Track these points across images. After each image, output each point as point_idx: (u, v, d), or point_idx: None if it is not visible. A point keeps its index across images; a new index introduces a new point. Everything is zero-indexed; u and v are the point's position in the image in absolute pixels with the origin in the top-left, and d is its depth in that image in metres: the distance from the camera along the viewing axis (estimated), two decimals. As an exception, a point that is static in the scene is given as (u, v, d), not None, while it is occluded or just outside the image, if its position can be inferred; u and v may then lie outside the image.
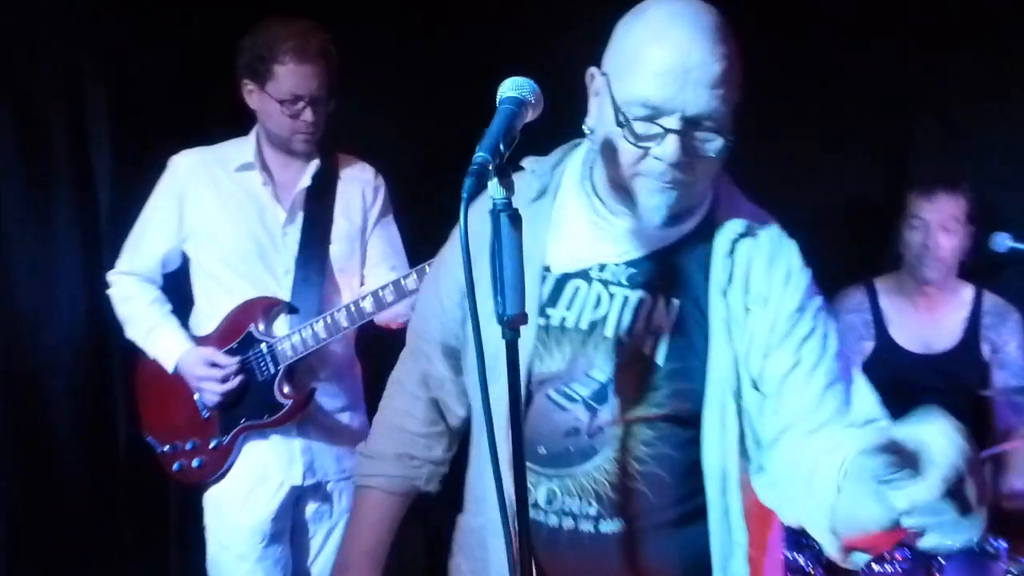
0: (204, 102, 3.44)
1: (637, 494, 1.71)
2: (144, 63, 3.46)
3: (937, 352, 3.51)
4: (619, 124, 1.62)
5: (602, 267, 1.77)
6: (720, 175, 1.77)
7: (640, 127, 1.60)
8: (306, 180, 3.10)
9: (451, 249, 1.99)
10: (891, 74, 3.66)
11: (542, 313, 1.76)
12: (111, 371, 3.49)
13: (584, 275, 1.78)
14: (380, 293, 2.97)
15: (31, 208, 3.32)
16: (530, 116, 1.54)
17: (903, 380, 3.40)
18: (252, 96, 3.00)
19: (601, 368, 1.73)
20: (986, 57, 3.61)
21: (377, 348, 3.17)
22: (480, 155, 1.42)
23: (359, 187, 3.20)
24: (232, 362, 3.02)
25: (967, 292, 3.53)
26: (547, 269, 1.79)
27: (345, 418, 3.22)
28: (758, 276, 1.73)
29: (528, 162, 1.88)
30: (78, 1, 3.35)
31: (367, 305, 2.97)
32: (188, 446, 3.13)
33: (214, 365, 3.01)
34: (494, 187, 1.44)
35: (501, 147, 1.44)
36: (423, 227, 2.55)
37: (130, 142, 3.49)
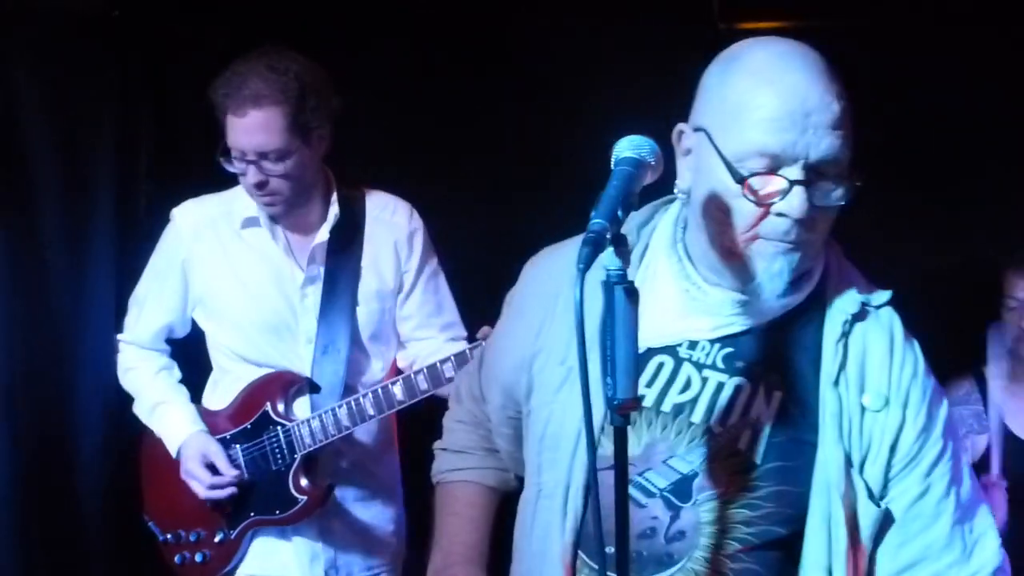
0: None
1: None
2: (189, 86, 3.11)
3: None
4: (737, 181, 1.45)
5: (692, 344, 1.59)
6: (829, 238, 1.58)
7: (759, 182, 1.45)
8: (323, 234, 2.67)
9: (513, 317, 1.80)
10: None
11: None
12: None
13: (671, 351, 1.60)
14: (413, 379, 2.56)
15: (70, 260, 2.99)
16: (649, 178, 1.42)
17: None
18: None
19: (683, 458, 1.54)
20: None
21: (416, 427, 2.72)
22: (597, 222, 1.32)
23: (390, 237, 2.73)
24: (230, 476, 2.64)
25: None
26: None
27: (375, 508, 2.79)
28: (874, 369, 1.55)
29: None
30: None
31: (397, 392, 2.56)
32: (192, 537, 2.77)
33: (211, 467, 2.64)
34: (609, 257, 1.33)
35: (619, 213, 1.34)
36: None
37: (175, 180, 3.14)
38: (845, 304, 1.57)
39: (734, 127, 1.46)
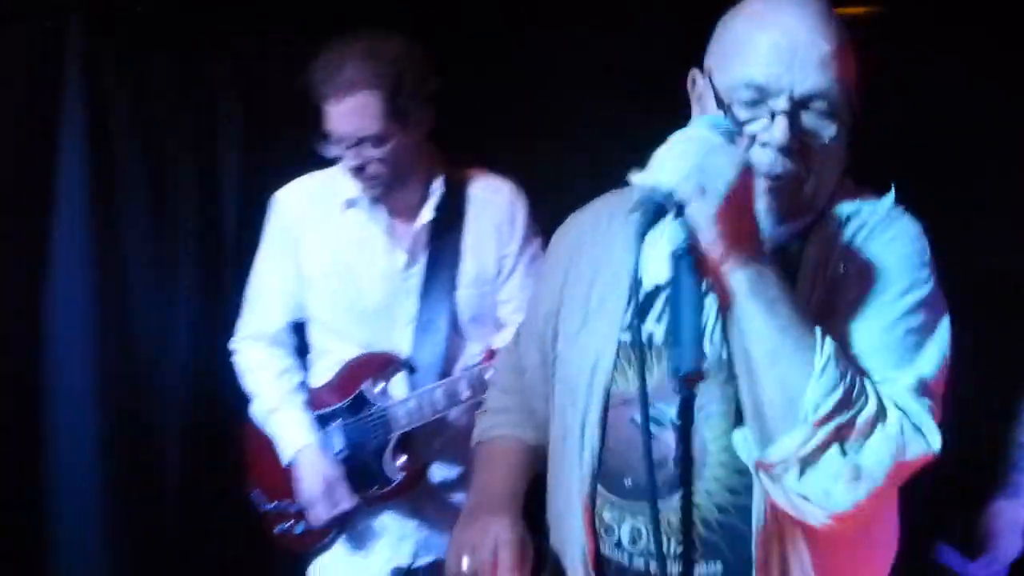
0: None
1: (731, 531, 1.52)
2: (276, 78, 3.18)
3: None
4: (720, 108, 1.52)
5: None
6: (843, 180, 1.61)
7: (744, 111, 1.51)
8: (427, 214, 2.68)
9: (540, 281, 1.91)
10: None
11: (628, 327, 1.63)
12: (226, 417, 3.21)
13: None
14: None
15: (154, 239, 3.15)
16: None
17: None
18: None
19: None
20: None
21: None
22: (663, 188, 1.35)
23: (492, 219, 2.73)
24: (349, 503, 2.67)
25: None
26: (639, 284, 1.63)
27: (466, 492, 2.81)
28: (858, 253, 1.55)
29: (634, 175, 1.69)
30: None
31: (491, 375, 2.56)
32: (294, 508, 2.82)
33: (330, 489, 2.67)
34: (676, 229, 1.37)
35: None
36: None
37: (260, 168, 3.21)
38: (842, 210, 1.59)
39: (728, 64, 1.54)
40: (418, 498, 2.74)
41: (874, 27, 2.82)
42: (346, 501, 2.67)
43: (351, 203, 2.70)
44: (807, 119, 1.51)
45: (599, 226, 1.75)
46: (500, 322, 2.80)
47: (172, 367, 3.20)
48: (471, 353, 2.75)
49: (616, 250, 1.68)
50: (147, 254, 3.14)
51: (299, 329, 2.86)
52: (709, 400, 1.52)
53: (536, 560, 1.70)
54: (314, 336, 2.82)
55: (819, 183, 1.56)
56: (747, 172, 1.41)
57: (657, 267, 1.59)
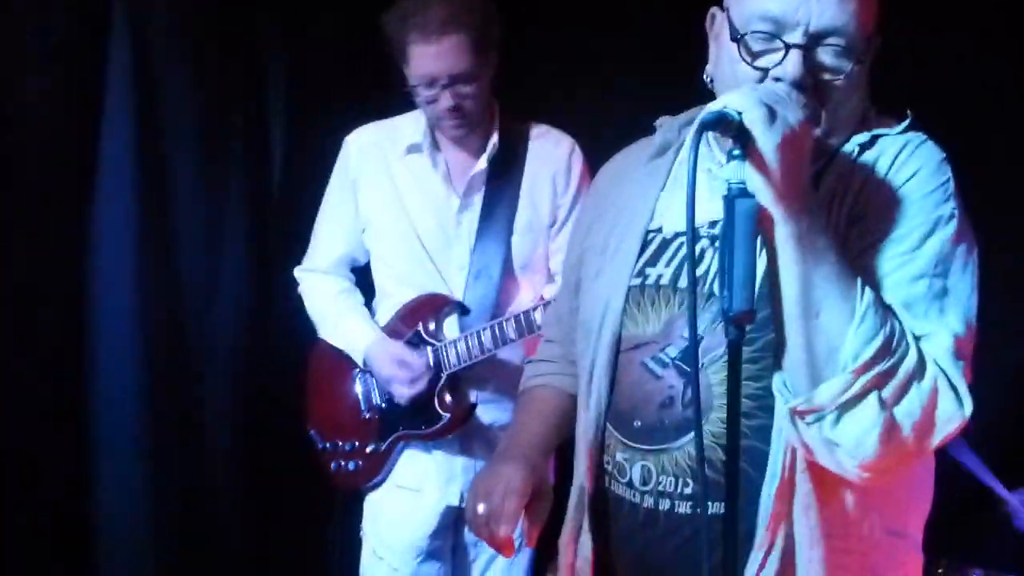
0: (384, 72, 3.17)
1: (738, 472, 1.45)
2: (322, 30, 3.24)
3: None
4: (734, 40, 1.50)
5: (713, 223, 1.57)
6: (866, 116, 1.59)
7: (758, 44, 1.49)
8: (481, 163, 2.74)
9: (579, 221, 1.93)
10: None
11: (640, 273, 1.65)
12: (275, 356, 3.31)
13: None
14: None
15: (203, 184, 3.20)
16: None
17: None
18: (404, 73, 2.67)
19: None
20: None
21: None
22: (732, 109, 1.33)
23: (549, 169, 2.78)
24: (420, 364, 2.73)
25: None
26: (658, 230, 1.67)
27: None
28: (876, 189, 1.51)
29: (661, 121, 1.78)
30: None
31: (537, 316, 2.61)
32: (347, 447, 2.91)
33: (403, 364, 2.74)
34: (733, 169, 1.33)
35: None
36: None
37: (308, 118, 3.29)
38: (857, 140, 1.56)
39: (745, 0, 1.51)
40: (467, 438, 2.81)
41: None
42: (424, 376, 2.72)
43: (413, 148, 2.77)
44: (822, 55, 1.48)
45: (623, 171, 1.78)
46: (551, 272, 2.84)
47: (223, 315, 3.28)
48: (524, 300, 2.79)
49: (634, 191, 1.71)
50: (196, 204, 3.22)
51: (366, 275, 2.95)
52: (715, 344, 1.53)
53: (553, 509, 1.74)
54: (378, 278, 2.90)
55: (833, 122, 1.53)
56: (809, 121, 1.41)
57: (675, 214, 1.64)
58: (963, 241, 1.49)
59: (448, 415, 2.74)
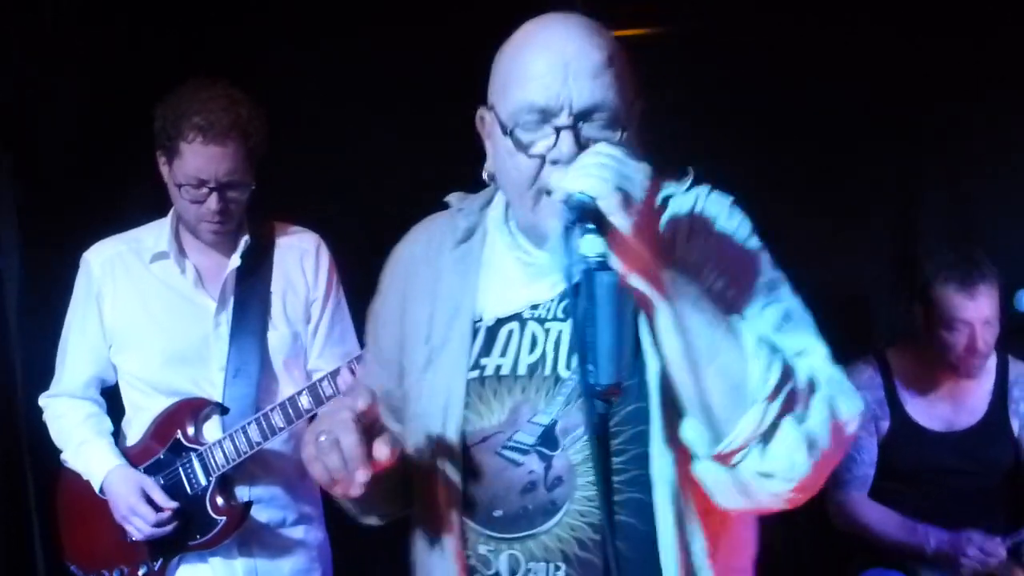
0: (124, 178, 3.12)
1: (615, 550, 1.46)
2: (51, 127, 3.17)
3: (961, 429, 3.22)
4: (505, 134, 1.54)
5: (535, 306, 1.64)
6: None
7: (529, 134, 1.53)
8: (235, 260, 2.75)
9: (386, 300, 1.81)
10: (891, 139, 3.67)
11: (476, 366, 1.63)
12: (27, 493, 3.11)
13: (517, 318, 1.65)
14: (319, 386, 2.61)
15: None
16: None
17: (925, 462, 3.21)
18: (164, 171, 2.67)
19: (544, 412, 1.59)
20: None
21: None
22: (585, 197, 1.36)
23: (298, 261, 2.82)
24: (171, 506, 2.64)
25: (990, 360, 3.19)
26: (479, 320, 1.66)
27: (298, 533, 2.81)
28: (681, 235, 1.60)
29: (455, 199, 1.78)
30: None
31: (304, 402, 2.62)
32: (115, 575, 2.75)
33: (150, 502, 2.63)
34: (590, 242, 1.35)
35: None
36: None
37: (40, 235, 3.19)
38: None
39: (507, 93, 1.55)
40: (244, 541, 2.72)
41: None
42: (166, 506, 2.63)
43: (158, 256, 2.75)
44: (590, 130, 1.52)
45: (428, 253, 1.76)
46: (308, 367, 2.84)
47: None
48: (285, 395, 2.75)
49: (449, 279, 1.69)
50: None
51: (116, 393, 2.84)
52: (572, 425, 1.56)
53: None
54: (127, 394, 2.81)
55: None
56: (653, 182, 1.45)
57: (495, 302, 1.65)
58: (776, 267, 1.63)
59: (224, 518, 2.66)
